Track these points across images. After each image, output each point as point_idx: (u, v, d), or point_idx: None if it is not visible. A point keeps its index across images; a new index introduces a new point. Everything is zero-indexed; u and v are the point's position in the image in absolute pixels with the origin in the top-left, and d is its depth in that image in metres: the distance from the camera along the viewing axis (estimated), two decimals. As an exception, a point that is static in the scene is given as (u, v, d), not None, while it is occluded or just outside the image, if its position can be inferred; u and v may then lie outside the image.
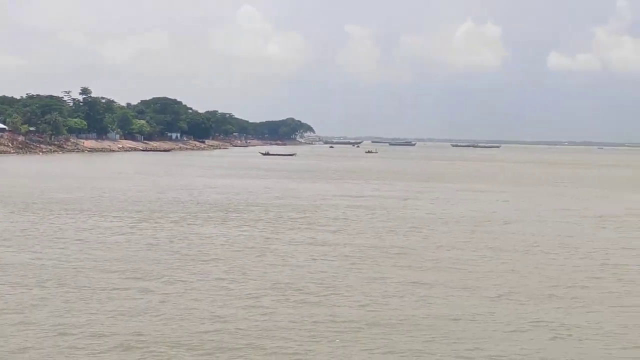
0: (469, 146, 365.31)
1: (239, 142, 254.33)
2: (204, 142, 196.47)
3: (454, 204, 43.46)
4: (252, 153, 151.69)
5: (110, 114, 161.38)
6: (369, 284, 19.46)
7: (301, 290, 18.72)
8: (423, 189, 55.08)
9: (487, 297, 18.26)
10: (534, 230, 31.62)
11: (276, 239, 27.69)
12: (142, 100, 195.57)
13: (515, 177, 77.63)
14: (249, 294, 18.25)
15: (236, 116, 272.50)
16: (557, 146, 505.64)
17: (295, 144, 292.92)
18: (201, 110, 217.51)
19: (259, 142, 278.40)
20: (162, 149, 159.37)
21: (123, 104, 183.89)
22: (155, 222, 32.03)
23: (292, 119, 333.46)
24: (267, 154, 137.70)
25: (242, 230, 29.92)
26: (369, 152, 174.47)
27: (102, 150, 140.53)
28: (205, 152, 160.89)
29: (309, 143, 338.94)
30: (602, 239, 29.06)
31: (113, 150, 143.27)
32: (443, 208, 40.64)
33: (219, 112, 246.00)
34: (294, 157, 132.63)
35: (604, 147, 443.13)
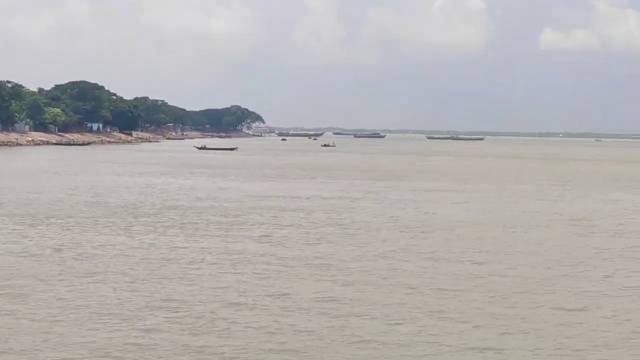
0: (447, 138, 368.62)
1: (174, 133, 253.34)
2: (131, 134, 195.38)
3: (410, 206, 43.71)
4: (187, 147, 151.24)
5: (18, 101, 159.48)
6: (278, 302, 19.42)
7: (195, 308, 18.61)
8: (379, 189, 55.33)
9: (414, 316, 18.32)
10: (494, 236, 31.92)
11: (185, 248, 27.58)
12: (56, 85, 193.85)
13: (491, 174, 78.27)
14: (133, 314, 18.09)
15: (171, 103, 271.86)
16: (551, 138, 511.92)
17: (241, 136, 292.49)
18: (128, 97, 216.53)
19: (198, 134, 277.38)
20: (80, 142, 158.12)
21: (34, 89, 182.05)
22: (47, 228, 31.74)
23: (238, 107, 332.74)
24: (203, 148, 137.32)
25: (148, 238, 29.76)
26: (325, 145, 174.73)
27: (7, 144, 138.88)
28: (131, 146, 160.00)
29: (258, 135, 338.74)
30: (568, 246, 29.40)
31: (21, 144, 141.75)
32: (395, 211, 40.85)
33: (150, 98, 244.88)
34: (235, 151, 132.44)
35: (602, 139, 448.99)
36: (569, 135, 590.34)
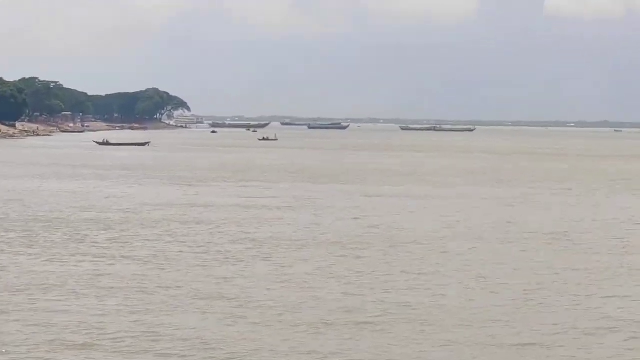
0: (428, 129, 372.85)
1: (72, 125, 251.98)
2: (14, 125, 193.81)
3: (351, 216, 43.97)
4: (86, 142, 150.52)
5: None
6: (141, 342, 19.45)
7: (30, 354, 18.58)
8: (318, 195, 55.58)
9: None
10: (446, 253, 32.29)
11: (44, 272, 27.53)
12: None
13: (467, 175, 78.76)
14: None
15: (68, 86, 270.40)
16: (560, 129, 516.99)
17: (160, 128, 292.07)
18: (11, 78, 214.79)
19: (104, 124, 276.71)
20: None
21: None
22: None
23: (156, 91, 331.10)
24: (105, 143, 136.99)
25: (-2, 259, 29.70)
26: (264, 139, 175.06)
27: None
28: (13, 142, 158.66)
29: (182, 126, 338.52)
30: (541, 267, 29.65)
31: None
32: (330, 222, 41.12)
33: (40, 79, 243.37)
34: (146, 147, 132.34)
35: (623, 130, 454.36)
36: (583, 124, 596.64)
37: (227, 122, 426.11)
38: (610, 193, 60.75)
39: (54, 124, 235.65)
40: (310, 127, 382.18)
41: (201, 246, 33.13)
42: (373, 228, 39.20)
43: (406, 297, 24.36)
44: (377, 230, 38.36)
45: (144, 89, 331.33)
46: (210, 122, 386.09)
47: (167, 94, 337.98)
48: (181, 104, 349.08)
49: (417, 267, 29.05)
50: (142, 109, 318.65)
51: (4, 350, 18.57)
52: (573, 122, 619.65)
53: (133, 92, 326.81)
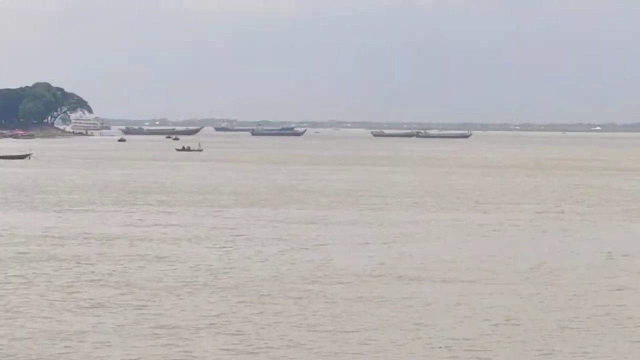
0: (408, 135, 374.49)
1: None
2: None
3: (272, 249, 44.31)
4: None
5: None
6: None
7: None
8: (234, 222, 56.06)
9: None
10: (380, 297, 32.55)
11: None
12: None
13: (446, 196, 79.22)
14: None
15: None
16: (582, 133, 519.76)
17: (51, 135, 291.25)
18: None
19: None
20: None
21: None
22: None
23: (47, 87, 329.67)
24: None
25: None
26: (183, 149, 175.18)
27: None
28: None
29: (81, 133, 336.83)
30: (489, 319, 29.68)
31: None
32: (240, 258, 41.75)
33: None
34: (26, 161, 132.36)
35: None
36: (612, 128, 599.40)
37: (145, 128, 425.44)
38: (618, 219, 61.00)
39: None
40: (254, 134, 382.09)
41: (58, 291, 33.22)
42: (295, 264, 39.48)
43: (307, 358, 24.43)
44: (299, 268, 38.54)
45: (30, 84, 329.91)
46: (123, 127, 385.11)
47: (62, 90, 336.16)
48: (80, 104, 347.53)
49: (334, 317, 29.15)
50: (27, 111, 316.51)
51: None
52: (599, 125, 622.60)
53: (16, 89, 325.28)
